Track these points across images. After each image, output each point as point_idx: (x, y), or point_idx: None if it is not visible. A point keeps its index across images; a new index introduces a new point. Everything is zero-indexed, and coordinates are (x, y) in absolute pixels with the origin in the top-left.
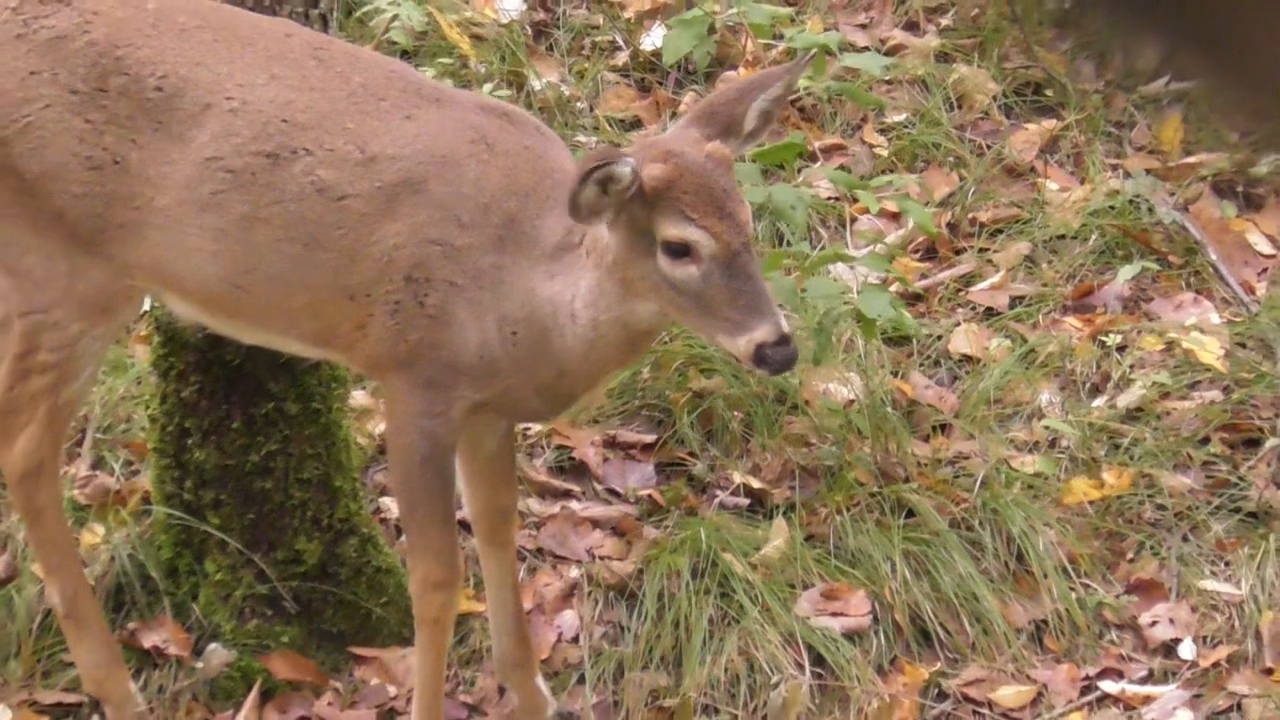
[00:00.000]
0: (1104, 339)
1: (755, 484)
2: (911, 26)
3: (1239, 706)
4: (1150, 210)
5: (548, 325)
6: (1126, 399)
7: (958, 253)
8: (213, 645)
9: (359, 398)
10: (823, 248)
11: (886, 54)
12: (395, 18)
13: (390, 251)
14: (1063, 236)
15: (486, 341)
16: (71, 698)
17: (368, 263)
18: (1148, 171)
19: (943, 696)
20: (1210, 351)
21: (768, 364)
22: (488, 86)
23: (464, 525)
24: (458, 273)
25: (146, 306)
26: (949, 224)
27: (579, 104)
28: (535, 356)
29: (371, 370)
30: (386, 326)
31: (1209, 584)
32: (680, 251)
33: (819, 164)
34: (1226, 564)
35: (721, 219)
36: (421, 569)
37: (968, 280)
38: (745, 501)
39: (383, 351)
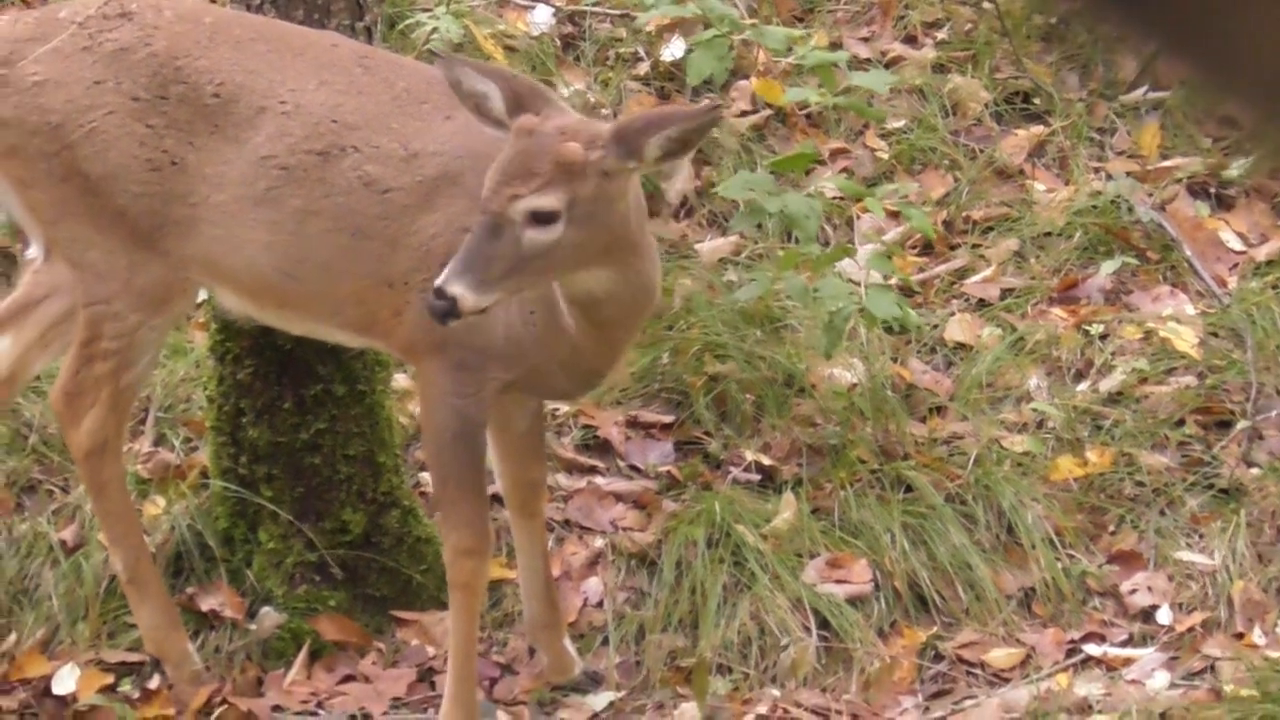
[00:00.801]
0: (1087, 328)
1: (766, 461)
2: (910, 40)
3: (1213, 668)
4: (1130, 210)
5: (553, 303)
6: (1108, 384)
7: (952, 248)
8: (265, 608)
9: (401, 380)
10: (825, 245)
11: (887, 65)
12: (434, 30)
13: (428, 241)
14: (1049, 234)
15: (510, 323)
16: (134, 657)
17: (407, 251)
18: (1128, 174)
19: (939, 658)
20: (1185, 340)
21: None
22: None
23: (496, 498)
24: None
25: (204, 297)
26: (944, 222)
27: (604, 111)
28: (553, 335)
29: (407, 354)
30: (422, 312)
31: (1184, 555)
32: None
33: (827, 169)
34: (1201, 536)
35: None
36: (454, 538)
37: (962, 274)
38: (756, 477)
39: (418, 336)
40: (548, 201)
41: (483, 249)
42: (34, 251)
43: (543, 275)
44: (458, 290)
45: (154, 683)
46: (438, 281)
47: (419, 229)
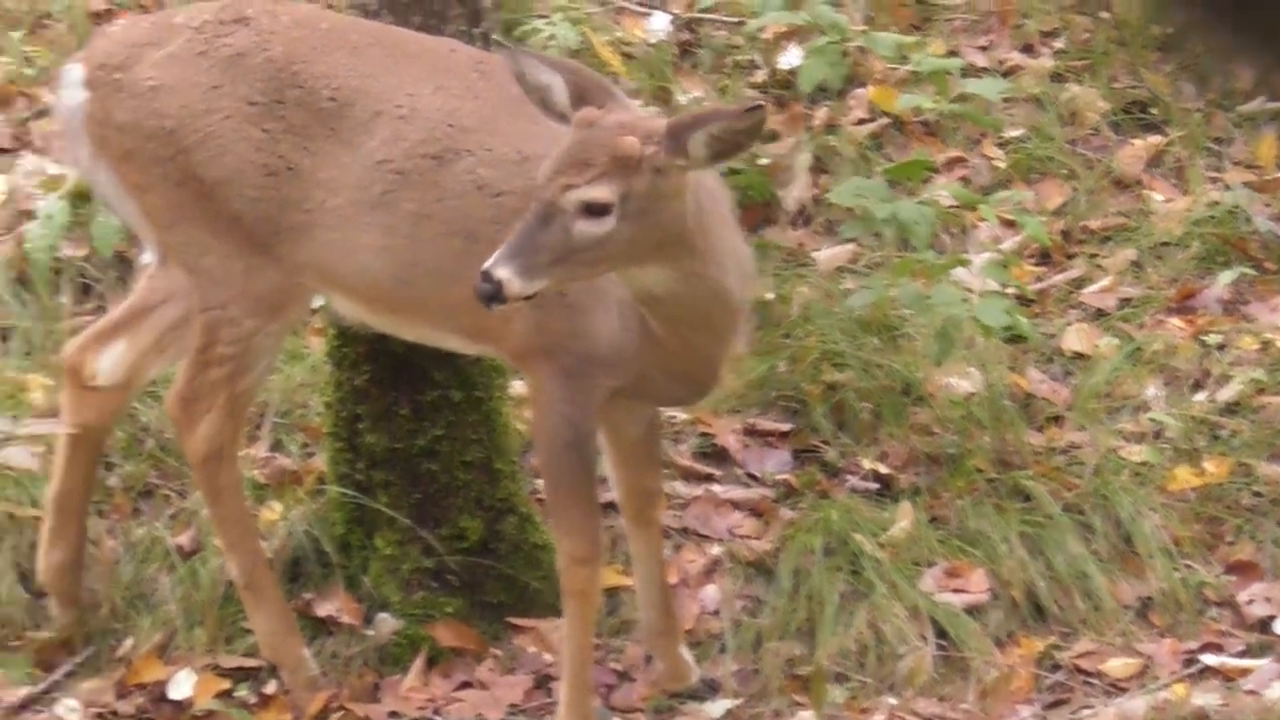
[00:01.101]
0: (1204, 338)
1: (883, 470)
2: (1028, 49)
3: None
4: (1247, 220)
5: (640, 307)
6: (1225, 394)
7: (1070, 258)
8: (382, 614)
9: (518, 387)
10: (941, 253)
11: (1004, 74)
12: (552, 36)
13: None
14: (1166, 244)
15: (613, 329)
16: (251, 662)
17: None
18: (1245, 184)
19: (1056, 667)
20: None
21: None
22: (636, 102)
23: (612, 505)
24: None
25: (321, 302)
26: (1062, 231)
27: None
28: (649, 341)
29: (519, 361)
30: (530, 318)
31: None
32: None
33: (943, 176)
34: None
35: None
36: (567, 545)
37: (1079, 283)
38: (874, 486)
39: (527, 343)
40: (601, 194)
41: (533, 236)
42: (148, 257)
43: (591, 268)
44: (504, 274)
45: (270, 688)
46: (485, 265)
47: None
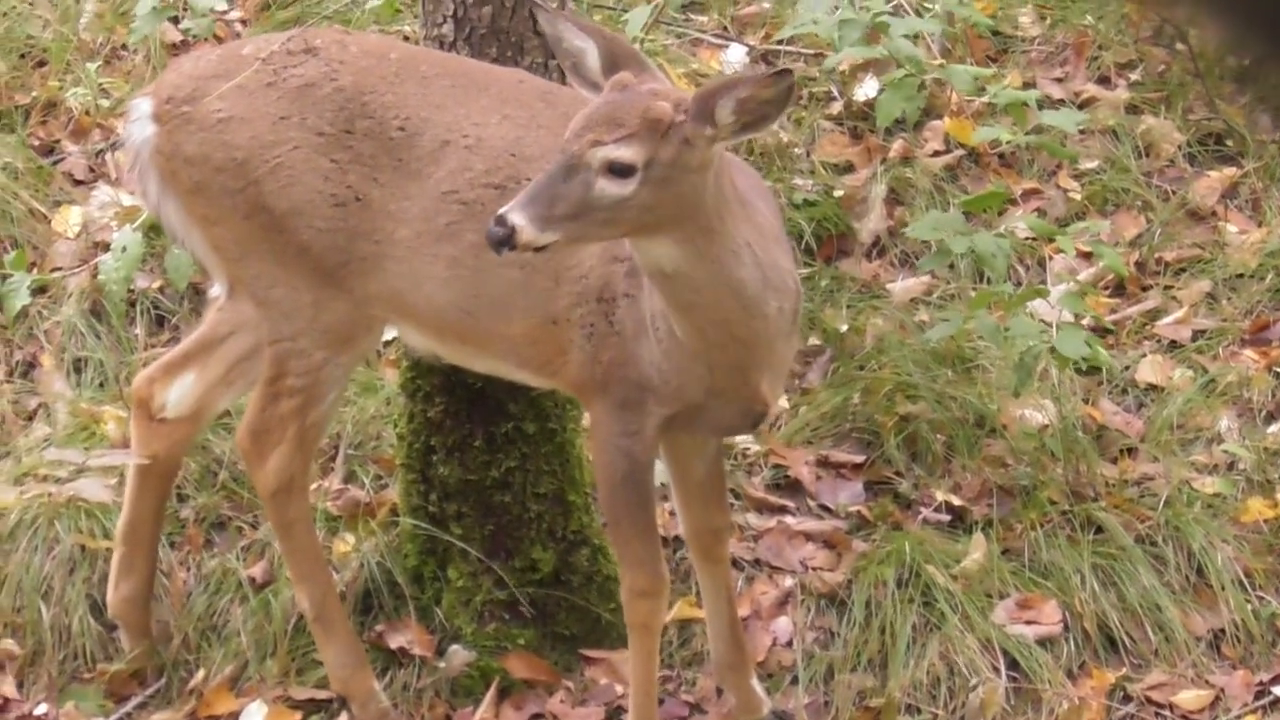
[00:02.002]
0: (1278, 370)
1: (956, 501)
2: (1103, 80)
3: None
4: None
5: (668, 318)
6: None
7: (1145, 289)
8: (454, 646)
9: None
10: (1017, 285)
11: (1080, 106)
12: None
13: (586, 274)
14: (1241, 275)
15: (651, 352)
16: (322, 694)
17: (568, 285)
18: None
19: (1128, 699)
20: None
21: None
22: None
23: (681, 539)
24: (633, 285)
25: (393, 334)
26: (1137, 263)
27: (796, 150)
28: (680, 354)
29: (578, 394)
30: (584, 350)
31: None
32: None
33: (1019, 208)
34: None
35: None
36: (629, 579)
37: (1154, 315)
38: (947, 518)
39: (583, 376)
40: (627, 154)
41: (553, 187)
42: (217, 289)
43: (604, 228)
44: (518, 220)
45: None
46: (501, 210)
47: (577, 263)
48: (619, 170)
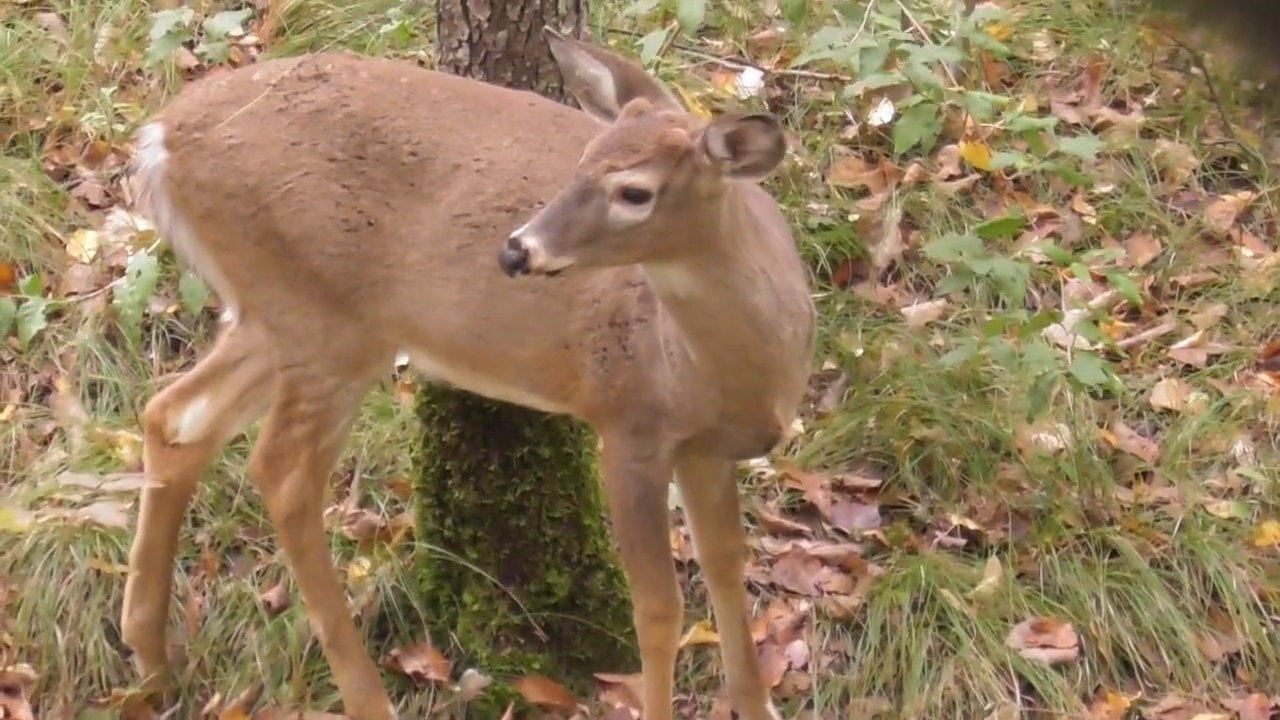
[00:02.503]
0: None
1: (971, 525)
2: (1119, 104)
3: None
4: None
5: (681, 342)
6: None
7: (1159, 313)
8: (469, 670)
9: None
10: (1032, 309)
11: (1095, 130)
12: None
13: (599, 298)
14: (1256, 299)
15: (666, 377)
16: (338, 719)
17: (580, 309)
18: None
19: None
20: None
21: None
22: None
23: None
24: (646, 309)
25: (405, 360)
26: (1151, 287)
27: (811, 174)
28: (694, 378)
29: (591, 419)
30: (597, 375)
31: None
32: None
33: (1034, 233)
34: None
35: None
36: (642, 603)
37: (1169, 339)
38: (962, 542)
39: (596, 401)
40: (643, 180)
41: (567, 211)
42: (229, 315)
43: (617, 253)
44: (532, 243)
45: None
46: (514, 233)
47: (590, 286)
48: (634, 196)
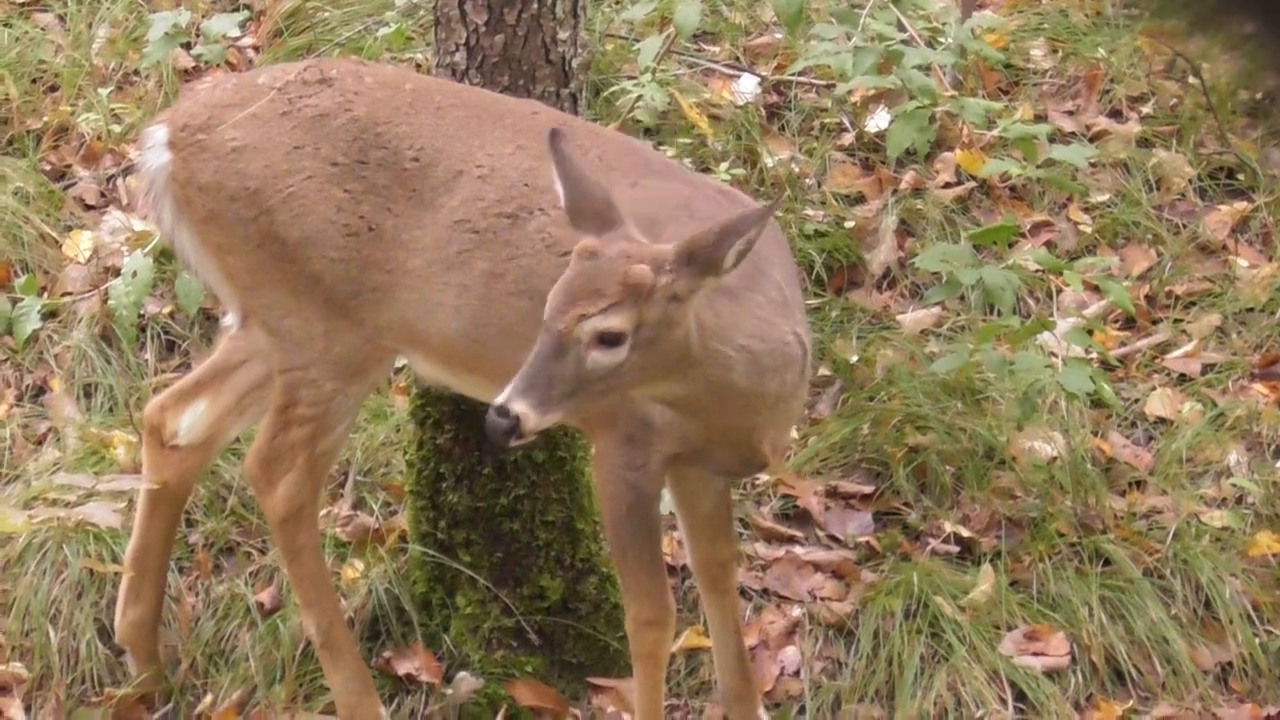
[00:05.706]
0: None
1: (965, 533)
2: (1115, 113)
3: None
4: None
5: None
6: None
7: (1154, 323)
8: (462, 673)
9: None
10: (1027, 316)
11: (1091, 139)
12: (639, 98)
13: None
14: (1251, 309)
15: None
16: None
17: None
18: None
19: None
20: None
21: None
22: (724, 164)
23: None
24: None
25: (403, 362)
26: (1147, 296)
27: (807, 180)
28: (682, 402)
29: (584, 426)
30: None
31: None
32: None
33: (1029, 241)
34: None
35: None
36: (634, 609)
37: (1163, 348)
38: (955, 549)
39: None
40: (614, 323)
41: (547, 367)
42: (229, 318)
43: (605, 395)
44: (520, 409)
45: None
46: (499, 400)
47: None
48: (609, 340)
